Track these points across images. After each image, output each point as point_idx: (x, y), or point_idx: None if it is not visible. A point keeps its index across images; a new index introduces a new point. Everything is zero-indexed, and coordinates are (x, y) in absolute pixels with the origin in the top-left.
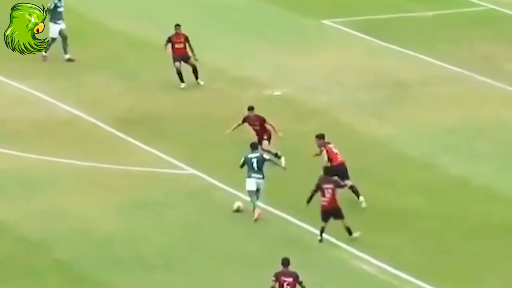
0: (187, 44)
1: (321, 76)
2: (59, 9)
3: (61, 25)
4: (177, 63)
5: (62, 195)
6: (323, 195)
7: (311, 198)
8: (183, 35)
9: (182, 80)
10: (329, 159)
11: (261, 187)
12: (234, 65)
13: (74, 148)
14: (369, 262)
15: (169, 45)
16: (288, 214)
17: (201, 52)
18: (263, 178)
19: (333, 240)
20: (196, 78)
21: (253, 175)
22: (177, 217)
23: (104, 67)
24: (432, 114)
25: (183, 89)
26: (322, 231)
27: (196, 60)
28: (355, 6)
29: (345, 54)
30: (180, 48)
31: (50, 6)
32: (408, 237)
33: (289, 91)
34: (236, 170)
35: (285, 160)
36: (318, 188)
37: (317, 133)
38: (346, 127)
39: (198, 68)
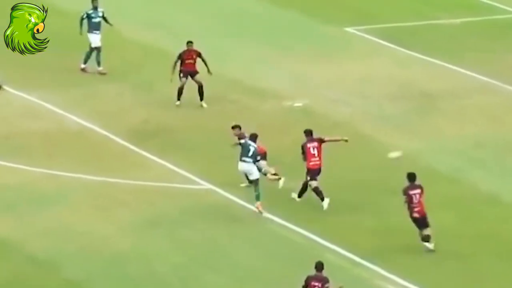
0: (198, 60)
1: (343, 87)
2: (94, 20)
3: (99, 36)
4: (184, 79)
5: (72, 211)
6: (411, 201)
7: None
8: (195, 51)
9: (179, 98)
10: (304, 158)
11: (254, 174)
12: (251, 75)
13: (85, 162)
14: (396, 283)
15: (178, 62)
16: (310, 232)
17: (216, 62)
18: (253, 163)
19: (357, 259)
20: (201, 99)
21: (244, 158)
22: (192, 234)
23: (118, 78)
24: (460, 127)
25: (178, 106)
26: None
27: (210, 74)
28: (380, 13)
29: (368, 63)
30: (189, 64)
31: (83, 15)
32: (437, 257)
33: (310, 102)
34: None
35: (284, 181)
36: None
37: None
38: (370, 141)
39: (204, 89)
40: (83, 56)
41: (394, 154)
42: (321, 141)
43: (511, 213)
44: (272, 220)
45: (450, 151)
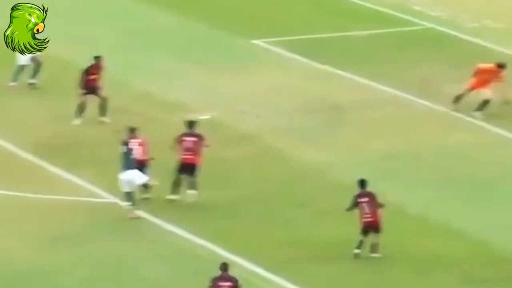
0: (103, 75)
1: (252, 99)
2: None
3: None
4: (85, 96)
5: None
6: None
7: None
8: (101, 66)
9: (79, 115)
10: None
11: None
12: (160, 88)
13: None
14: None
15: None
16: (216, 245)
17: (126, 75)
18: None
19: (262, 271)
20: (103, 114)
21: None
22: (97, 248)
23: (28, 92)
24: (370, 139)
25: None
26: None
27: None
28: (288, 25)
29: (277, 76)
30: (93, 79)
31: None
32: (348, 267)
33: (218, 115)
34: (160, 200)
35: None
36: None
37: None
38: (279, 154)
39: (107, 104)
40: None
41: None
42: (200, 138)
43: (417, 225)
44: (177, 234)
45: (359, 163)
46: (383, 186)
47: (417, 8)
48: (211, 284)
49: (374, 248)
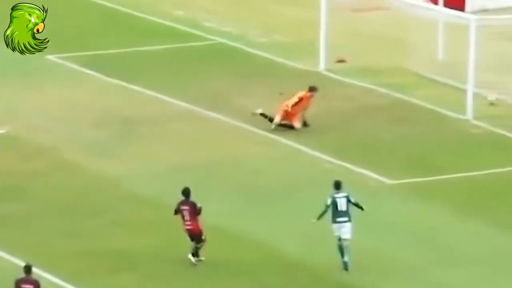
0: None
1: (46, 113)
2: None
3: None
4: None
5: None
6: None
7: None
8: None
9: None
10: None
11: None
12: None
13: None
14: None
15: None
16: (14, 256)
17: None
18: None
19: (60, 281)
20: None
21: None
22: None
23: None
24: (162, 152)
25: None
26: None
27: None
28: (80, 41)
29: (71, 90)
30: None
31: None
32: (139, 278)
33: (12, 129)
34: None
35: None
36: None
37: None
38: (74, 166)
39: None
40: None
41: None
42: None
43: (211, 235)
44: None
45: (153, 176)
46: (177, 198)
47: (208, 24)
48: (14, 286)
49: (194, 252)
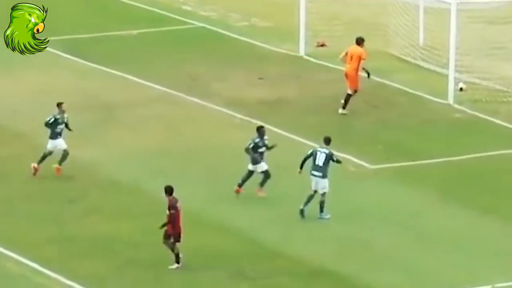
0: None
1: (23, 99)
2: None
3: None
4: None
5: None
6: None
7: None
8: None
9: None
10: None
11: None
12: None
13: None
14: None
15: None
16: None
17: None
18: None
19: (38, 267)
20: None
21: None
22: None
23: None
24: (140, 137)
25: None
26: None
27: None
28: (60, 25)
29: (49, 75)
30: None
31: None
32: (116, 264)
33: None
34: None
35: None
36: None
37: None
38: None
39: None
40: None
41: None
42: None
43: (189, 222)
44: None
45: (130, 161)
46: (155, 184)
47: (187, 8)
48: None
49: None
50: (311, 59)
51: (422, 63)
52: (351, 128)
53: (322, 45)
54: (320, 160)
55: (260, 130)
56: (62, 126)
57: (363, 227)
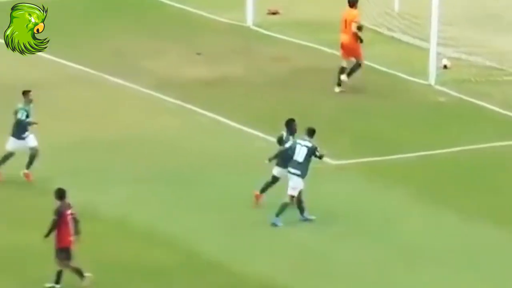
0: None
1: None
2: None
3: None
4: None
5: None
6: None
7: None
8: None
9: None
10: None
11: None
12: None
13: None
14: None
15: None
16: None
17: None
18: None
19: None
20: None
21: None
22: None
23: None
24: (58, 123)
25: None
26: None
27: None
28: None
29: None
30: None
31: None
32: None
33: None
34: None
35: None
36: None
37: None
38: None
39: None
40: None
41: None
42: None
43: (113, 230)
44: None
45: (43, 153)
46: (71, 181)
47: None
48: None
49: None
50: (261, 30)
51: (398, 35)
52: (311, 115)
53: (274, 13)
54: (300, 155)
55: (291, 124)
56: (30, 119)
57: (322, 237)
